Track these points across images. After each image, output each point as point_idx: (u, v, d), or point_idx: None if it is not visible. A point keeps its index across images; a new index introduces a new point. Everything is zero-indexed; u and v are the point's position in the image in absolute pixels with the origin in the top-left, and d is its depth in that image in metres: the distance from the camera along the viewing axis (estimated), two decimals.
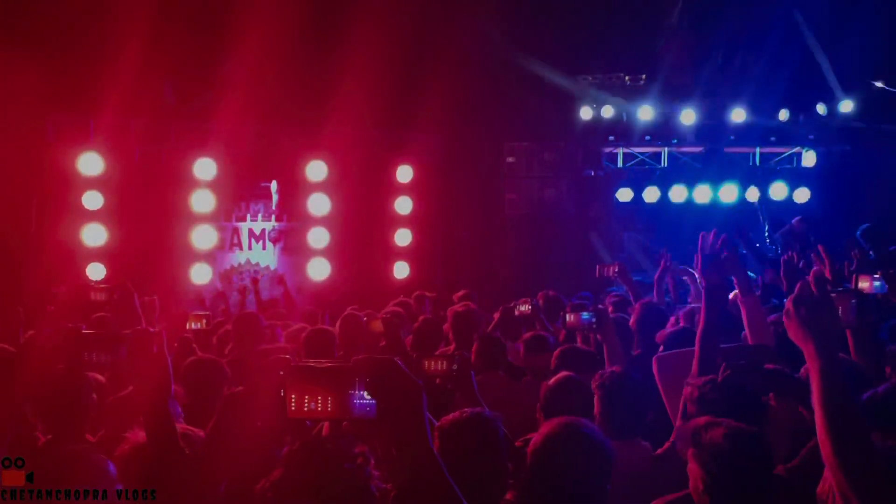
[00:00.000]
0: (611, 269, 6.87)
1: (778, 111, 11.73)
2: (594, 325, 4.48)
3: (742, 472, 2.30)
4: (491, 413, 2.74)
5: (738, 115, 11.67)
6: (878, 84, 10.97)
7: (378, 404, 1.63)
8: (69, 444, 3.06)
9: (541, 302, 6.90)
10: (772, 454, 2.40)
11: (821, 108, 11.66)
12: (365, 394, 1.63)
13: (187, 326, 5.59)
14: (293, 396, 1.65)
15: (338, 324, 5.43)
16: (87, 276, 9.81)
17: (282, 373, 1.67)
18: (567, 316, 4.68)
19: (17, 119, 9.11)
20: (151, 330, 2.36)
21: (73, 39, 8.98)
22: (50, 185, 10.13)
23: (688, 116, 11.77)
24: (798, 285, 2.01)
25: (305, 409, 1.66)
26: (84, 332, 2.45)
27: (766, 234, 9.73)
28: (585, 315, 4.64)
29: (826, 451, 1.89)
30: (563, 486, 2.45)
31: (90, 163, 10.13)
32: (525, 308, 5.99)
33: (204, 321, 5.83)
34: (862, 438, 1.87)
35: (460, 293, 7.16)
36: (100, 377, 3.58)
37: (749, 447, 2.33)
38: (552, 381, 3.66)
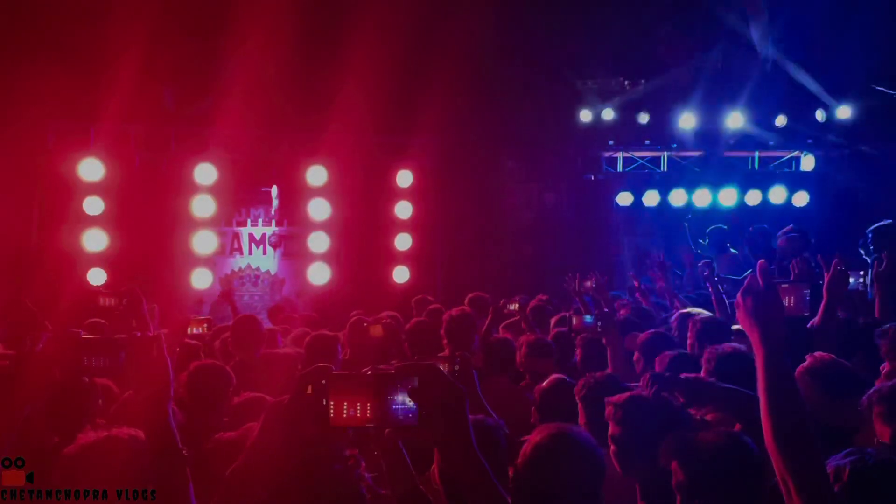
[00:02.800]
0: (588, 282, 6.52)
1: (777, 115, 11.72)
2: (599, 329, 4.49)
3: (730, 473, 2.31)
4: (493, 420, 2.73)
5: (736, 119, 11.66)
6: (880, 88, 10.94)
7: (420, 410, 1.63)
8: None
9: (527, 310, 6.78)
10: (760, 460, 2.37)
11: (819, 115, 11.63)
12: (407, 400, 1.63)
13: (189, 332, 5.59)
14: (333, 404, 1.66)
15: (347, 329, 5.43)
16: (88, 282, 9.81)
17: (324, 381, 1.68)
18: (571, 319, 4.70)
19: (17, 126, 9.12)
20: (151, 334, 2.35)
21: (73, 46, 8.98)
22: (51, 191, 10.17)
23: (687, 121, 11.77)
24: (748, 278, 2.07)
25: (346, 416, 1.66)
26: (84, 336, 2.45)
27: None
28: (588, 318, 4.67)
29: (768, 437, 1.96)
30: (554, 494, 2.42)
31: (91, 169, 10.15)
32: (514, 307, 6.06)
33: (205, 325, 5.83)
34: (801, 425, 1.94)
35: (471, 295, 7.02)
36: (99, 382, 3.57)
37: (736, 447, 2.35)
38: (545, 383, 3.68)
